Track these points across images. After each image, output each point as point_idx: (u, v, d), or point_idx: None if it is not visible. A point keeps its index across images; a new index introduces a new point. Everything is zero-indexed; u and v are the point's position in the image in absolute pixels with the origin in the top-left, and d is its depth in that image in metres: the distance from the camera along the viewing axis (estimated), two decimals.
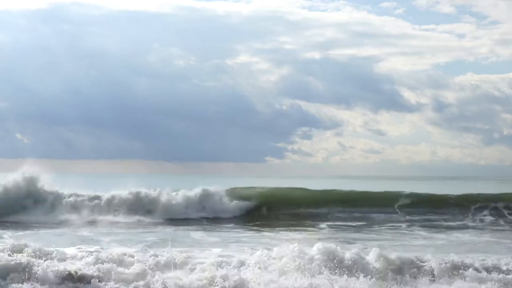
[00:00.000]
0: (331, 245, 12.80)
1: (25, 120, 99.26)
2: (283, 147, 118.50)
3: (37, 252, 12.56)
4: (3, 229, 20.14)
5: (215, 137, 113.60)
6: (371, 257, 12.59)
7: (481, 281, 11.87)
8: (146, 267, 12.00)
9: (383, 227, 23.19)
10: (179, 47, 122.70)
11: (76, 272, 11.67)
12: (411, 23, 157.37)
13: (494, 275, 12.07)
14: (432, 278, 12.05)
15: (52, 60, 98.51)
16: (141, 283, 11.53)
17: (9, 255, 12.15)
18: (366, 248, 13.82)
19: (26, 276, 11.47)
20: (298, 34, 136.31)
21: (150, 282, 11.51)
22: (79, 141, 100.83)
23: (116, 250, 13.07)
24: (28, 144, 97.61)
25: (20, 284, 11.29)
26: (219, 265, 12.23)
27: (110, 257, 12.34)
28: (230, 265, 12.24)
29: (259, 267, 12.10)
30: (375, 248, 12.98)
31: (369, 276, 11.71)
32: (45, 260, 12.07)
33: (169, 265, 12.22)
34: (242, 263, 12.36)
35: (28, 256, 12.28)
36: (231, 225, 23.89)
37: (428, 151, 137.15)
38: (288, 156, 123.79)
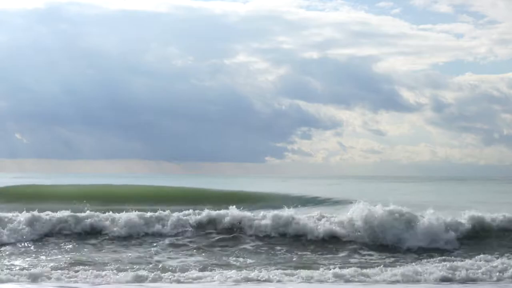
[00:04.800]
0: None
1: (24, 120, 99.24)
2: (282, 147, 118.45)
3: None
4: None
5: (215, 137, 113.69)
6: None
7: None
8: None
9: None
10: (177, 46, 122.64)
11: None
12: (409, 22, 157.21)
13: None
14: None
15: (50, 60, 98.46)
16: None
17: None
18: None
19: None
20: (296, 33, 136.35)
21: None
22: (79, 141, 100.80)
23: None
24: (27, 144, 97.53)
25: None
26: None
27: None
28: None
29: None
30: None
31: None
32: None
33: None
34: None
35: None
36: None
37: (427, 151, 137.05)
38: (288, 156, 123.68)
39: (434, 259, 14.43)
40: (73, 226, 17.16)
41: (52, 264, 13.32)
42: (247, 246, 16.26)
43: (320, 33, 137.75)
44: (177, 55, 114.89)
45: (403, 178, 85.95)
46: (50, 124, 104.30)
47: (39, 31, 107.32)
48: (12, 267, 12.98)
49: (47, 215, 17.34)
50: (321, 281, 11.95)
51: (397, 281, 12.08)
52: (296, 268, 13.25)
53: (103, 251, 15.59)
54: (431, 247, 16.14)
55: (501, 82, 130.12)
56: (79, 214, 17.59)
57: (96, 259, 14.15)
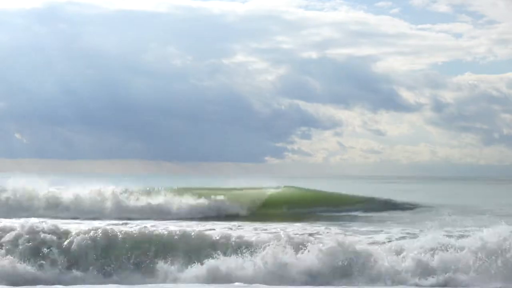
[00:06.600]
0: None
1: (23, 120, 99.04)
2: (282, 147, 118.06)
3: None
4: None
5: (214, 137, 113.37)
6: None
7: None
8: None
9: None
10: (176, 46, 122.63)
11: None
12: (408, 22, 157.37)
13: None
14: None
15: (49, 60, 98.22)
16: None
17: None
18: None
19: None
20: (294, 33, 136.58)
21: None
22: (78, 141, 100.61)
23: None
24: (27, 144, 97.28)
25: None
26: None
27: None
28: None
29: None
30: None
31: None
32: None
33: None
34: None
35: None
36: None
37: (427, 151, 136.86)
38: (288, 156, 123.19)
39: None
40: None
41: None
42: None
43: (319, 33, 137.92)
44: (176, 55, 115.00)
45: (404, 178, 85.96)
46: (50, 124, 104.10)
47: (38, 31, 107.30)
48: None
49: None
50: None
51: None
52: None
53: None
54: None
55: (501, 82, 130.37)
56: None
57: None
